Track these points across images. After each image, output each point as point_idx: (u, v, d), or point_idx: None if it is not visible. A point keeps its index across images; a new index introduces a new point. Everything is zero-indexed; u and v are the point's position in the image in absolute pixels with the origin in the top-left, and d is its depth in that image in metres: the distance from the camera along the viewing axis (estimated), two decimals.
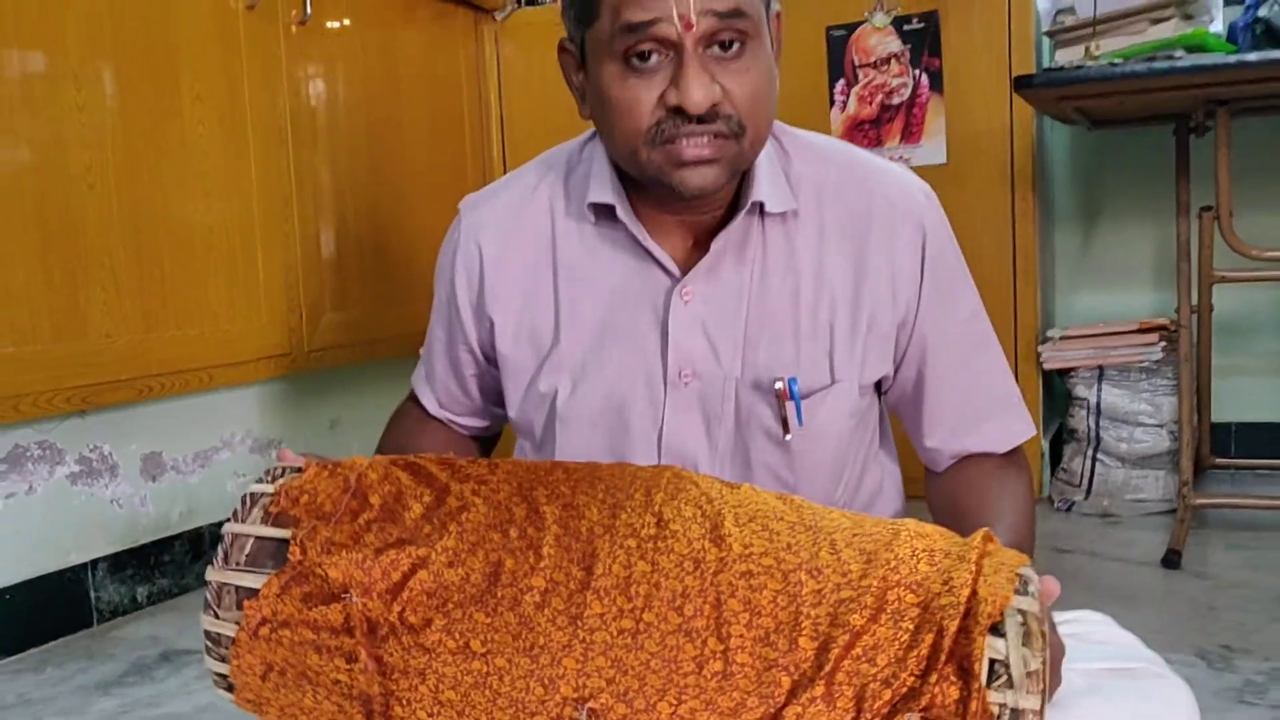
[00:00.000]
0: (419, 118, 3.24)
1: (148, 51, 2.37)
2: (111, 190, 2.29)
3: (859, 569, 0.85)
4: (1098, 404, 2.96)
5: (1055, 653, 0.89)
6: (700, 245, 1.16)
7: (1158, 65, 2.30)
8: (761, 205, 1.13)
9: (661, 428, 1.16)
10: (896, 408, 1.27)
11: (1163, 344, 2.89)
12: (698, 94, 1.00)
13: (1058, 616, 1.05)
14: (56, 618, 2.35)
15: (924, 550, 0.87)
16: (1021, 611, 0.83)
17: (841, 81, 3.16)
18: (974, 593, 0.83)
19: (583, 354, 1.18)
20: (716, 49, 1.02)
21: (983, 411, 1.23)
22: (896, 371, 1.22)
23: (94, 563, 2.43)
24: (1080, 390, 3.01)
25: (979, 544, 0.88)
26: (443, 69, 3.35)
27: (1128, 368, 2.93)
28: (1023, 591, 0.85)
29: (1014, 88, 2.47)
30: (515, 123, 3.53)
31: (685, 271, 1.15)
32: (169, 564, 2.59)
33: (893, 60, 3.11)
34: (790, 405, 1.13)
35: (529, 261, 1.21)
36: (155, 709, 1.96)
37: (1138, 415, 2.92)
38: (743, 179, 1.13)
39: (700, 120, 1.02)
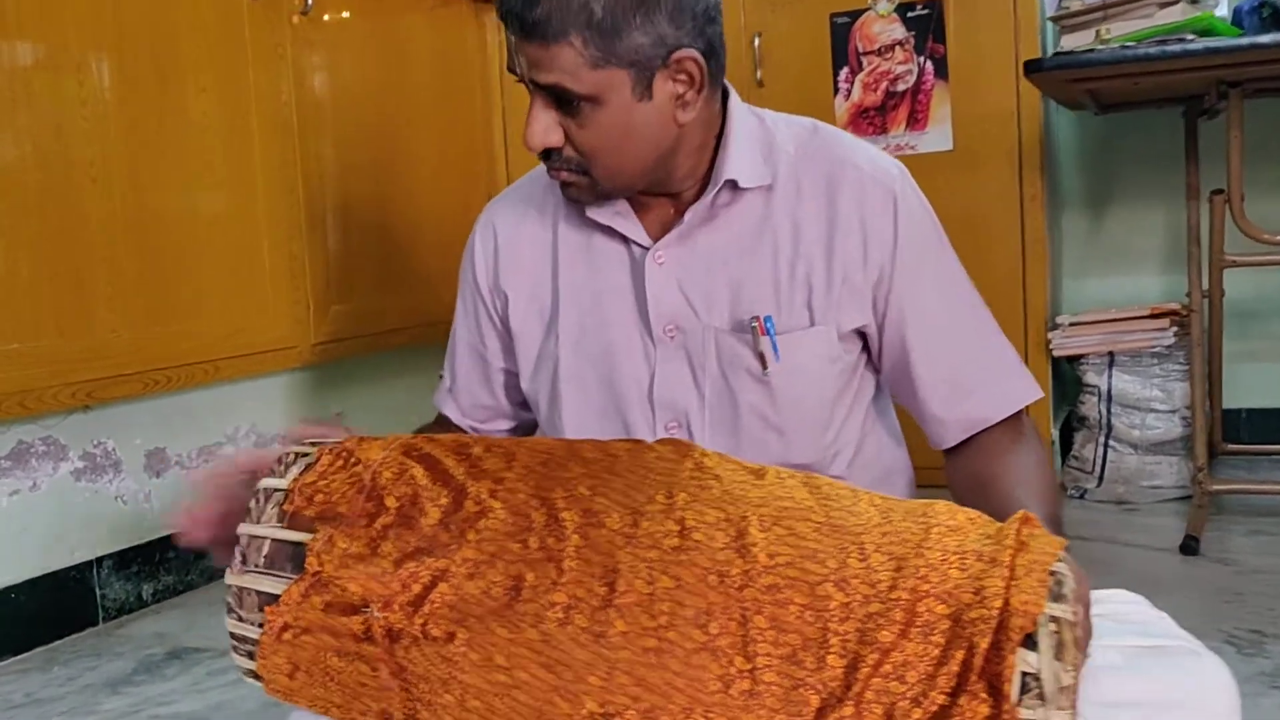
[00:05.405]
0: (423, 107, 3.21)
1: (150, 42, 2.34)
2: (115, 183, 2.27)
3: (888, 579, 0.84)
4: (1109, 390, 2.94)
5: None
6: (681, 215, 1.26)
7: (1170, 48, 2.28)
8: (734, 182, 1.23)
9: (652, 382, 1.27)
10: (893, 385, 1.33)
11: (1174, 329, 2.88)
12: (529, 139, 1.16)
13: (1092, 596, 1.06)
14: (62, 616, 2.33)
15: (955, 552, 0.85)
16: (1055, 619, 0.82)
17: (845, 69, 3.13)
18: (1006, 603, 0.82)
19: (579, 322, 1.30)
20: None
21: (980, 373, 1.28)
22: (882, 338, 1.28)
23: (99, 560, 2.42)
24: (1091, 377, 2.99)
25: (1013, 539, 0.86)
26: (446, 58, 3.32)
27: (1139, 353, 2.91)
28: (1057, 595, 0.83)
29: (1025, 72, 2.46)
30: (518, 112, 3.46)
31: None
32: (174, 561, 2.58)
33: (897, 47, 3.08)
34: (766, 340, 1.22)
35: (536, 242, 1.34)
36: (166, 707, 1.95)
37: (1150, 401, 2.90)
38: (715, 155, 1.24)
39: (545, 155, 1.18)
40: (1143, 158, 3.36)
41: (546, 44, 1.09)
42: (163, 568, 2.55)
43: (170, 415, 2.57)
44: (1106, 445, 2.96)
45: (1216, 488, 2.63)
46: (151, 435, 2.54)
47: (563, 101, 1.13)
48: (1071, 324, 2.98)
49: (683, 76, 1.16)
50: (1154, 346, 2.89)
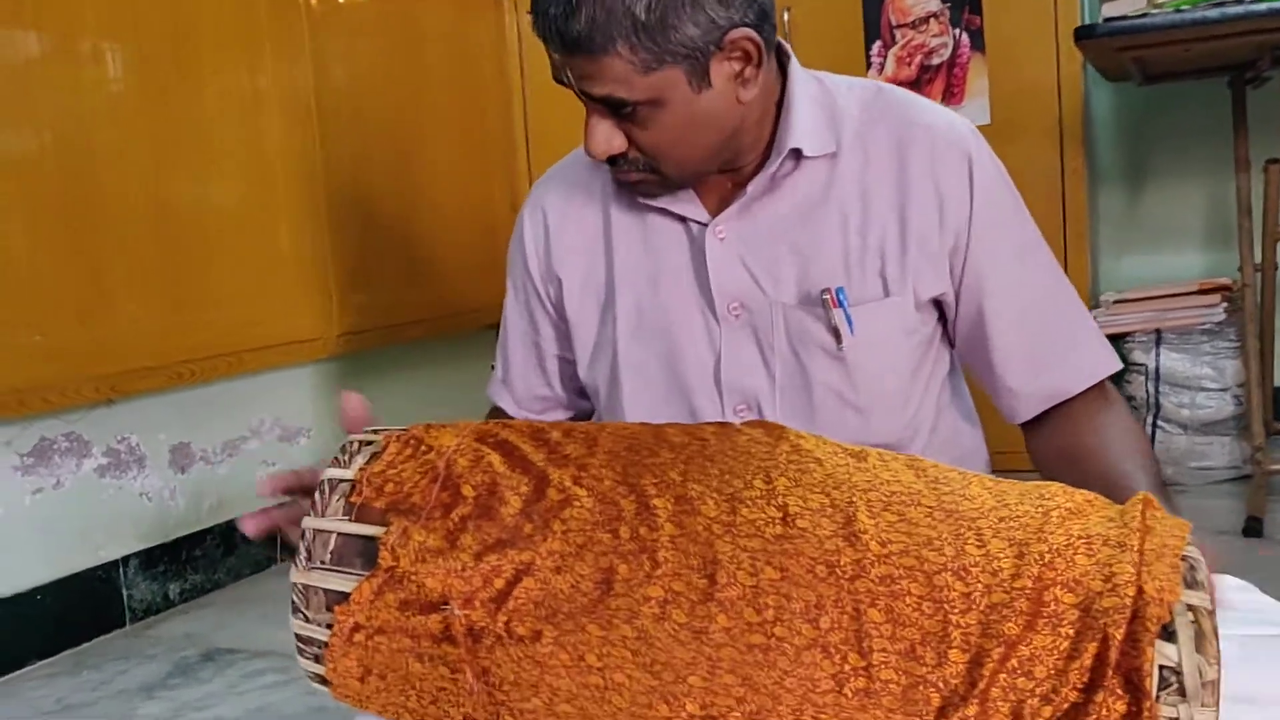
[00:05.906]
0: (443, 93, 3.15)
1: (167, 29, 2.30)
2: (133, 170, 2.22)
3: (1010, 566, 0.76)
4: (1157, 369, 2.86)
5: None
6: (741, 188, 1.20)
7: (1230, 11, 2.19)
8: (799, 150, 1.17)
9: (718, 364, 1.20)
10: (967, 357, 1.26)
11: (1224, 305, 2.79)
12: (591, 150, 1.11)
13: None
14: (89, 618, 2.27)
15: (1080, 537, 0.78)
16: (1192, 608, 0.75)
17: (878, 43, 3.05)
18: (1139, 590, 0.75)
19: (637, 306, 1.24)
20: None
21: (1059, 343, 1.21)
22: (957, 308, 1.21)
23: (125, 559, 2.35)
24: (1137, 355, 2.90)
25: (1139, 522, 0.79)
26: (464, 43, 3.26)
27: (1188, 330, 2.83)
28: (1191, 582, 0.76)
29: (1075, 39, 2.38)
30: (538, 98, 3.42)
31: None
32: (201, 559, 2.51)
33: (931, 19, 3.01)
34: (839, 313, 1.15)
35: (587, 224, 1.28)
36: (204, 711, 1.88)
37: (1200, 380, 2.82)
38: (776, 124, 1.17)
39: (611, 161, 1.13)
40: (1182, 131, 3.27)
41: (593, 57, 1.03)
42: (190, 566, 2.48)
43: (193, 408, 2.51)
44: (1155, 425, 2.87)
45: (1277, 467, 2.55)
46: (175, 429, 2.47)
47: (619, 108, 1.07)
48: (1117, 301, 2.90)
49: (738, 54, 1.09)
50: (1203, 323, 2.80)
